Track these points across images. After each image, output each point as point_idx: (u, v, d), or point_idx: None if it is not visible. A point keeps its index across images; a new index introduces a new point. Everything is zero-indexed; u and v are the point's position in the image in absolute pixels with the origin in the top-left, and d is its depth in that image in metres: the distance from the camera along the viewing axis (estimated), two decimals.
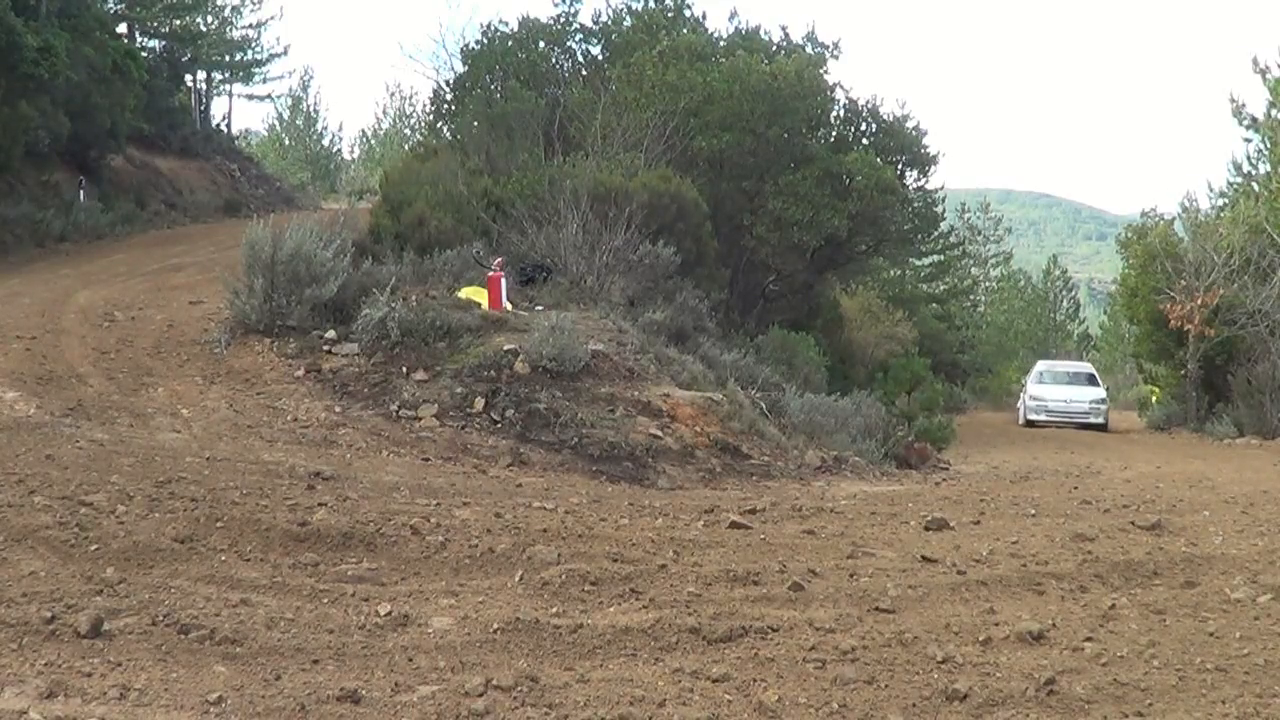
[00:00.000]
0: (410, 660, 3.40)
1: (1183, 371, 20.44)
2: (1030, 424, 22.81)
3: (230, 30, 33.88)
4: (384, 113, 45.25)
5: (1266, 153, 23.79)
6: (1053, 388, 23.62)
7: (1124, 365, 33.84)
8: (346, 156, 45.57)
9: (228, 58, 34.60)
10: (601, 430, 8.87)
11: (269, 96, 39.16)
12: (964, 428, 20.60)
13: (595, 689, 3.21)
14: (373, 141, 44.50)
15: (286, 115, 43.27)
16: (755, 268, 20.75)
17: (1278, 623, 3.97)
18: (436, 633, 3.66)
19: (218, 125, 34.49)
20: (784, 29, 26.02)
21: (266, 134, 44.11)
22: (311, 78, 63.62)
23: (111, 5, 26.69)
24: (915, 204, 23.48)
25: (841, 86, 22.36)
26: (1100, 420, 22.11)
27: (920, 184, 23.49)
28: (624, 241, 13.80)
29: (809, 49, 22.72)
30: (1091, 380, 24.39)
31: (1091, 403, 22.67)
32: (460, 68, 22.99)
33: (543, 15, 24.13)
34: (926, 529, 5.71)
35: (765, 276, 21.26)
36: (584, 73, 22.61)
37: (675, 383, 10.36)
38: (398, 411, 9.02)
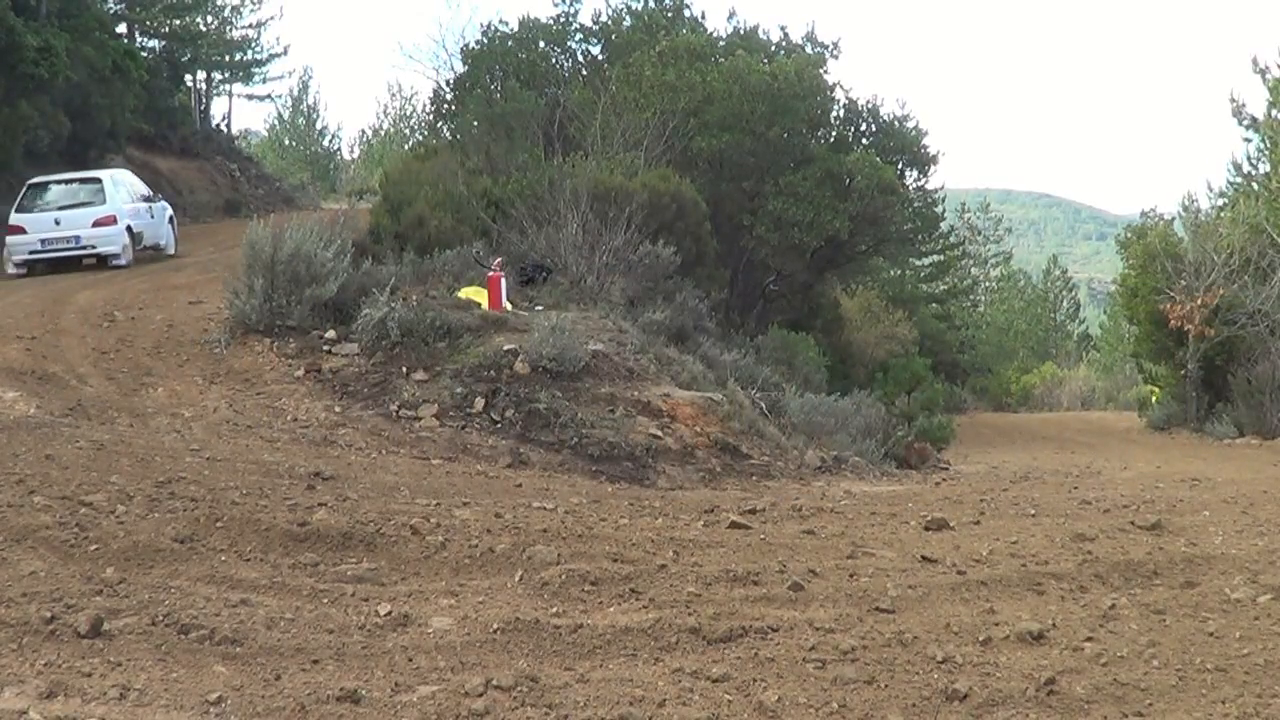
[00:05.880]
0: (410, 660, 3.40)
1: (1183, 371, 20.41)
2: None
3: (230, 30, 33.93)
4: (384, 113, 45.28)
5: (1266, 153, 23.76)
6: None
7: (1124, 365, 33.80)
8: (346, 156, 45.61)
9: (227, 58, 34.62)
10: (601, 430, 8.87)
11: (269, 96, 39.24)
12: (964, 428, 20.62)
13: (595, 689, 3.21)
14: (373, 141, 44.49)
15: (286, 115, 43.30)
16: (755, 268, 20.78)
17: (1278, 623, 3.97)
18: (436, 633, 3.66)
19: (218, 125, 34.54)
20: (783, 29, 26.12)
21: (266, 134, 44.15)
22: (311, 78, 63.65)
23: (111, 5, 26.72)
24: (915, 204, 23.54)
25: (841, 86, 22.43)
26: None
27: (920, 184, 23.56)
28: (624, 241, 13.81)
29: (809, 49, 22.76)
30: None
31: None
32: (460, 68, 23.08)
33: (543, 15, 24.24)
34: (926, 529, 5.71)
35: (765, 276, 21.29)
36: (584, 73, 22.64)
37: (675, 383, 10.35)
38: (398, 411, 9.01)
